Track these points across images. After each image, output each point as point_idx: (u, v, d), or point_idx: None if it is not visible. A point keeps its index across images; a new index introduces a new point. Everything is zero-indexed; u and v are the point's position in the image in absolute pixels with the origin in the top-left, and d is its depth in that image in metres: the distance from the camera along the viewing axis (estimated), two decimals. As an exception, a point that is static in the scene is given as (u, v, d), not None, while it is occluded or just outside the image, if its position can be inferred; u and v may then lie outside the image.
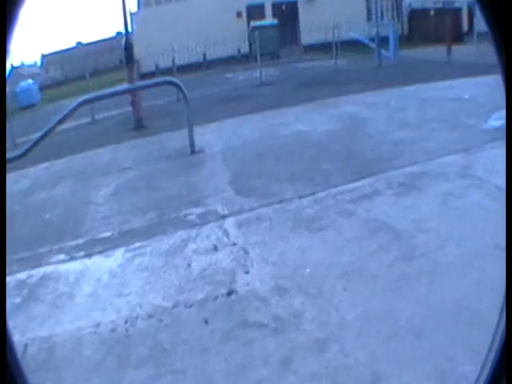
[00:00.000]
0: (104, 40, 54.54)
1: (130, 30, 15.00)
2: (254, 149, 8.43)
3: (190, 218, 5.71)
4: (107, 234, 5.71)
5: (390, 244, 4.44)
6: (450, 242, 4.31)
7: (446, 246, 4.27)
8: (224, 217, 5.55)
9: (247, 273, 4.27)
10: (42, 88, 33.53)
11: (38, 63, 54.57)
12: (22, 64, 46.41)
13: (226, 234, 5.08)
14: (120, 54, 14.74)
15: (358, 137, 8.59)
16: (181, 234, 5.26)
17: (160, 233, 5.41)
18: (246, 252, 4.60)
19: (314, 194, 5.94)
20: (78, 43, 55.63)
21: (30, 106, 26.88)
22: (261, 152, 8.15)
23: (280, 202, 5.82)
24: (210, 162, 8.06)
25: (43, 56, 54.95)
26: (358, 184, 6.10)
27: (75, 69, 44.31)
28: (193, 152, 8.70)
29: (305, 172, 6.84)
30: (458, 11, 37.37)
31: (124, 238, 5.49)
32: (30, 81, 31.06)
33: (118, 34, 45.54)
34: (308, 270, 4.17)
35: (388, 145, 7.75)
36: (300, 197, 5.90)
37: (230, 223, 5.35)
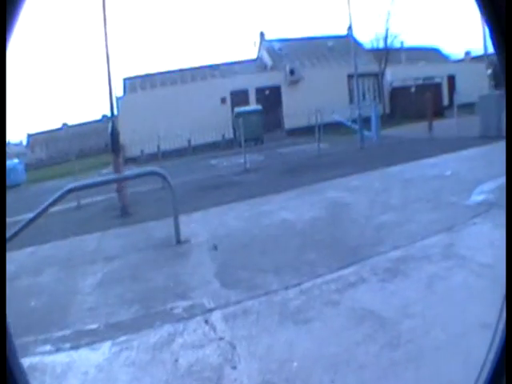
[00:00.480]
0: (90, 122, 55.42)
1: (115, 113, 15.31)
2: (239, 239, 8.53)
3: (176, 311, 5.69)
4: (94, 326, 5.66)
5: (376, 332, 4.48)
6: (435, 326, 4.38)
7: (432, 330, 4.33)
8: (210, 310, 5.56)
9: (234, 368, 4.25)
10: (27, 168, 33.60)
11: (24, 142, 55.02)
12: (8, 143, 46.86)
13: (213, 328, 5.08)
14: (105, 136, 14.96)
15: (342, 223, 8.79)
16: (167, 328, 5.24)
17: (147, 326, 5.38)
18: (233, 347, 4.60)
19: (299, 284, 5.98)
20: (64, 124, 56.46)
21: (15, 186, 26.91)
22: (246, 242, 8.25)
23: (266, 293, 5.84)
24: (195, 253, 8.11)
25: (29, 136, 55.47)
26: (344, 272, 6.20)
27: (61, 150, 44.79)
28: (178, 242, 8.78)
29: (290, 262, 6.91)
30: (438, 86, 38.88)
31: (110, 331, 5.45)
32: (16, 160, 31.11)
33: (104, 116, 46.53)
34: (295, 364, 4.17)
35: (372, 230, 7.95)
36: (286, 288, 5.93)
37: (216, 317, 5.36)
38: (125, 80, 40.24)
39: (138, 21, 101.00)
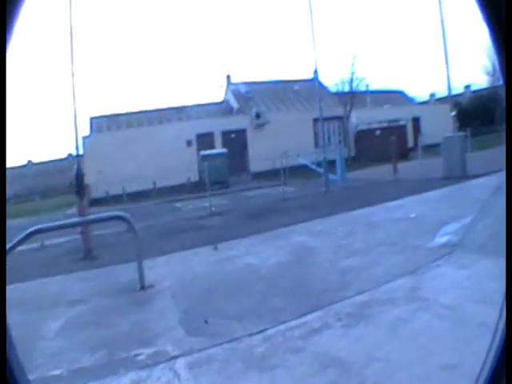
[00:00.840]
0: (55, 160, 55.00)
1: (81, 152, 15.31)
2: (203, 285, 8.52)
3: (140, 358, 5.66)
4: (56, 372, 5.58)
5: (340, 378, 4.50)
6: (399, 369, 4.42)
7: (396, 373, 4.38)
8: (175, 357, 5.54)
9: (198, 416, 4.29)
10: (-11, 204, 33.04)
11: (-13, 178, 54.14)
12: (-30, 179, 46.13)
13: (177, 375, 5.06)
14: (70, 176, 14.92)
15: (307, 268, 8.85)
16: (131, 376, 5.20)
17: (111, 373, 5.33)
18: (198, 395, 4.62)
19: (263, 331, 6.00)
20: (29, 161, 56.04)
21: (-23, 223, 26.35)
22: (210, 288, 8.25)
23: (230, 341, 5.84)
24: (159, 299, 8.06)
25: (-8, 171, 54.60)
26: (308, 318, 6.23)
27: (25, 187, 44.21)
28: (142, 287, 8.74)
29: (254, 308, 6.94)
30: (402, 128, 39.75)
31: (74, 378, 5.40)
32: (-21, 197, 30.49)
33: (69, 155, 46.19)
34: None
35: (336, 274, 8.01)
36: (250, 335, 5.95)
37: (180, 364, 5.34)
38: (91, 119, 40.24)
39: (106, 60, 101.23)
